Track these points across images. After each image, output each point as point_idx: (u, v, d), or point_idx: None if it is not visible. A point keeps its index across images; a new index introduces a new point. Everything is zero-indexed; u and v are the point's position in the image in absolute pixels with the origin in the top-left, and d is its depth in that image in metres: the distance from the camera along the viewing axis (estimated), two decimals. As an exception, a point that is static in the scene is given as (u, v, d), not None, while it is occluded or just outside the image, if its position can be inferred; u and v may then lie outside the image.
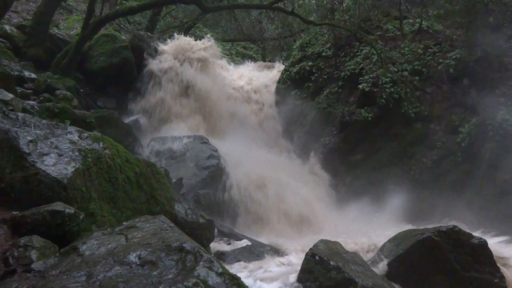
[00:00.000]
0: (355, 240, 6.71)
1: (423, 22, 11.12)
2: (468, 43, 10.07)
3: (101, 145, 4.44)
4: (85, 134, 4.49)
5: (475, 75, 9.61)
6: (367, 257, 5.68)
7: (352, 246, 6.27)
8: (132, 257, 2.46)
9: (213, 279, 2.26)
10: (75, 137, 4.36)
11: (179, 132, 9.98)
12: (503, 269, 5.23)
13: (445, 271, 4.77)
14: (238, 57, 18.65)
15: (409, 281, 4.74)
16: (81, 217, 3.52)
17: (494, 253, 5.15)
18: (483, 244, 4.90)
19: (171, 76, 11.49)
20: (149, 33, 12.37)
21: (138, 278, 2.29)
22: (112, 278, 2.32)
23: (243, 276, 5.02)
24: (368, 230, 7.94)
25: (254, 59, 17.64)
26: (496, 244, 6.33)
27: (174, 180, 7.58)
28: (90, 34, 10.06)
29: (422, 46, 10.57)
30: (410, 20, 11.73)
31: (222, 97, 11.92)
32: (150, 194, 4.86)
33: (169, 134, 9.76)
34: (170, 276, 2.28)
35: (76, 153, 4.15)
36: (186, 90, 11.47)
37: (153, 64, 11.44)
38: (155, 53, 11.72)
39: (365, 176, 9.99)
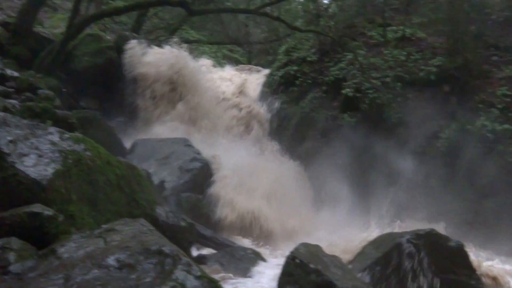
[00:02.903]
0: (337, 243, 6.79)
1: (406, 30, 11.29)
2: (449, 50, 10.27)
3: (82, 146, 4.42)
4: (66, 135, 4.46)
5: (455, 82, 9.81)
6: (347, 259, 5.74)
7: (333, 249, 6.32)
8: (111, 260, 2.47)
9: (191, 282, 2.28)
10: (56, 138, 4.33)
11: (163, 134, 9.96)
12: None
13: (423, 274, 4.85)
14: (224, 59, 18.65)
15: (388, 284, 4.81)
16: (59, 219, 3.51)
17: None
18: (460, 247, 5.01)
19: (158, 78, 11.45)
20: (134, 34, 12.32)
21: (116, 281, 2.29)
22: (90, 281, 2.33)
23: (223, 279, 5.04)
24: (350, 233, 8.04)
25: (240, 62, 17.67)
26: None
27: (156, 183, 7.56)
28: (74, 34, 10.00)
29: (405, 53, 10.73)
30: (394, 28, 11.89)
31: (208, 99, 11.92)
32: (131, 196, 4.85)
33: (153, 136, 9.73)
34: (148, 280, 2.29)
35: (57, 154, 4.12)
36: (173, 92, 11.44)
37: (141, 65, 11.39)
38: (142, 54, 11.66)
39: (348, 180, 10.07)
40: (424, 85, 10.18)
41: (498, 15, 11.12)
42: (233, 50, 19.49)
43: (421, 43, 11.07)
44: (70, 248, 2.77)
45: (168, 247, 2.53)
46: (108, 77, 10.73)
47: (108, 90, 10.81)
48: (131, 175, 5.08)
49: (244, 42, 14.95)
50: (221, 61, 17.44)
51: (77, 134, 4.70)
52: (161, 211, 5.66)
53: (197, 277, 2.31)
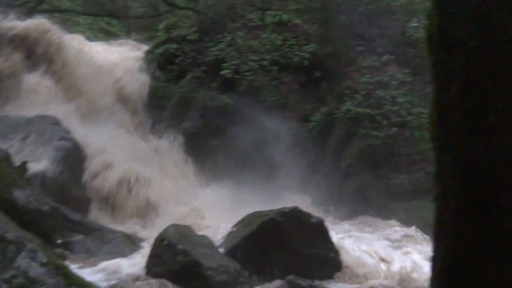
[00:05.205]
0: (209, 222, 6.90)
1: (283, 15, 11.68)
2: (321, 38, 10.88)
3: None
4: None
5: (326, 68, 10.44)
6: (219, 238, 5.87)
7: (206, 229, 6.43)
8: None
9: (35, 270, 2.14)
10: None
11: (28, 111, 9.15)
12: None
13: (287, 249, 5.17)
14: (100, 33, 17.56)
15: (255, 260, 5.04)
16: None
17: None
18: (321, 223, 5.42)
19: (20, 47, 10.45)
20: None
21: None
22: None
23: (89, 265, 4.85)
24: (224, 212, 8.22)
25: (118, 37, 16.79)
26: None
27: (18, 164, 6.95)
28: None
29: (281, 37, 11.11)
30: (272, 12, 12.19)
31: (82, 75, 11.18)
32: (-18, 180, 4.41)
33: (15, 113, 8.89)
34: (-15, 270, 2.10)
35: None
36: (39, 63, 10.54)
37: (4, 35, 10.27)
38: None
39: (225, 161, 10.26)
40: (298, 70, 10.69)
41: (365, 8, 12.00)
42: (111, 23, 18.46)
43: (296, 29, 11.54)
44: None
45: (13, 233, 2.35)
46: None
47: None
48: (-19, 157, 4.61)
49: (122, 16, 14.22)
50: (97, 34, 16.43)
51: None
52: (21, 195, 5.25)
53: (43, 264, 2.18)
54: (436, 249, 1.80)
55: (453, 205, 1.67)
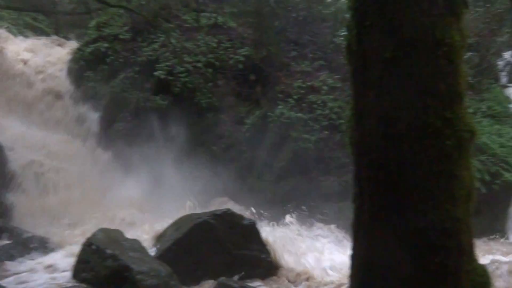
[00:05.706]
0: (142, 227, 6.78)
1: (218, 18, 11.70)
2: (256, 42, 11.01)
3: None
4: None
5: (260, 72, 10.59)
6: (151, 242, 5.78)
7: (138, 233, 6.31)
8: None
9: None
10: None
11: None
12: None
13: (220, 251, 5.21)
14: (26, 28, 16.63)
15: (187, 263, 5.02)
16: None
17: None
18: (252, 225, 5.50)
19: None
20: None
21: None
22: None
23: (12, 272, 4.61)
24: (155, 216, 8.11)
25: (45, 33, 16.01)
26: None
27: None
28: None
29: (216, 40, 11.12)
30: (207, 14, 12.18)
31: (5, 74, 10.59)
32: None
33: None
34: None
35: None
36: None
37: None
38: None
39: (159, 163, 10.09)
40: (233, 73, 10.74)
41: (298, 14, 12.31)
42: (37, 19, 17.55)
43: (231, 32, 11.60)
44: None
45: None
46: None
47: None
48: None
49: (49, 11, 13.56)
50: (22, 30, 15.56)
51: None
52: None
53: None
54: (354, 248, 1.92)
55: (369, 206, 1.79)
